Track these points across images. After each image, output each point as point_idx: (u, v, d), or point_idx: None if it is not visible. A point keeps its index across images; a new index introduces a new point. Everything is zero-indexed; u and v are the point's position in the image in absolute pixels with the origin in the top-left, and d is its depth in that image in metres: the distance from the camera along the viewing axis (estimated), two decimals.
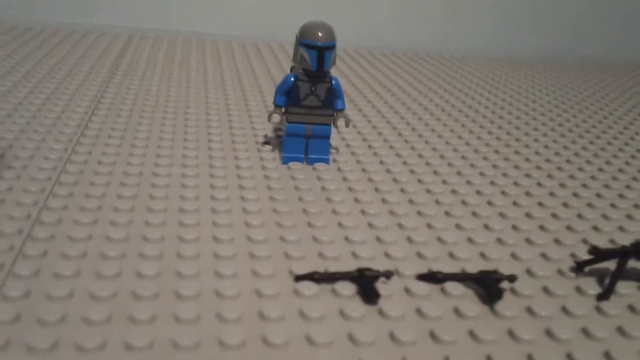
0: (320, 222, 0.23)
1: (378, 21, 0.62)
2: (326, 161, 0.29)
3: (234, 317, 0.18)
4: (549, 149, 0.35)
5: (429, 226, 0.24)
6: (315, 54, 0.26)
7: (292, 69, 0.29)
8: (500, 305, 0.19)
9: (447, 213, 0.25)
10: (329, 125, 0.29)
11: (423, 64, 0.56)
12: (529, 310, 0.19)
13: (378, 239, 0.23)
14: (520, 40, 0.66)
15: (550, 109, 0.44)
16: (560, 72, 0.58)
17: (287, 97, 0.28)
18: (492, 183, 0.29)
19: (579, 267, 0.22)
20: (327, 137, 0.29)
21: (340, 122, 0.29)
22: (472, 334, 0.18)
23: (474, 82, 0.50)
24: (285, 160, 0.29)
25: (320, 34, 0.26)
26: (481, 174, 0.30)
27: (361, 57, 0.57)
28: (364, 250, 0.22)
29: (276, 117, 0.29)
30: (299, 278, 0.20)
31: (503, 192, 0.28)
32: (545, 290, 0.21)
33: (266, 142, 0.31)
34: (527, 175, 0.30)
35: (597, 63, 0.65)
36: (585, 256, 0.22)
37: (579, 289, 0.21)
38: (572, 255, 0.23)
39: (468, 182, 0.29)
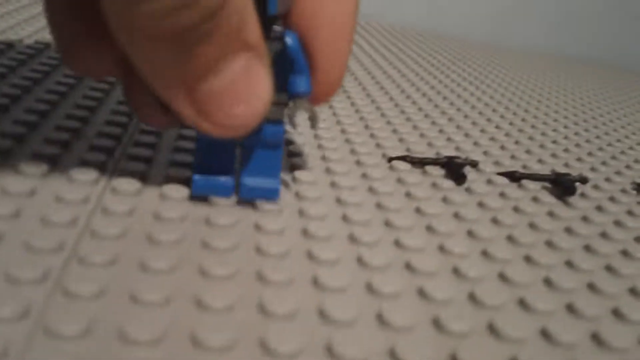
0: (405, 129, 0.26)
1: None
2: (274, 193, 0.16)
3: (343, 171, 0.20)
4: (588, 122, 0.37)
5: (503, 148, 0.26)
6: None
7: None
8: (572, 199, 0.21)
9: (517, 142, 0.28)
10: (280, 123, 0.15)
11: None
12: (599, 208, 0.21)
13: (457, 149, 0.25)
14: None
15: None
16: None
17: None
18: (545, 133, 0.31)
19: (639, 188, 0.24)
20: (278, 145, 0.16)
21: (301, 116, 0.15)
22: (550, 213, 0.20)
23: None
24: (196, 188, 0.16)
25: None
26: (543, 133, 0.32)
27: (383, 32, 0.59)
28: (447, 152, 0.24)
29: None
30: (392, 159, 0.22)
31: (566, 137, 0.30)
32: (611, 199, 0.23)
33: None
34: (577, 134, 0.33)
35: None
36: None
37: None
38: (633, 182, 0.25)
39: (532, 130, 0.31)
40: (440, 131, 0.27)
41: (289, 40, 0.14)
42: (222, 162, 0.15)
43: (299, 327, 0.12)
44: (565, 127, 0.33)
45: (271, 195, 0.16)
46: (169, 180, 0.17)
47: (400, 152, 0.23)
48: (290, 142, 0.21)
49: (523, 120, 0.32)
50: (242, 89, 0.13)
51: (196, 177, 0.15)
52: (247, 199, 0.16)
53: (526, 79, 0.46)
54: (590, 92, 0.47)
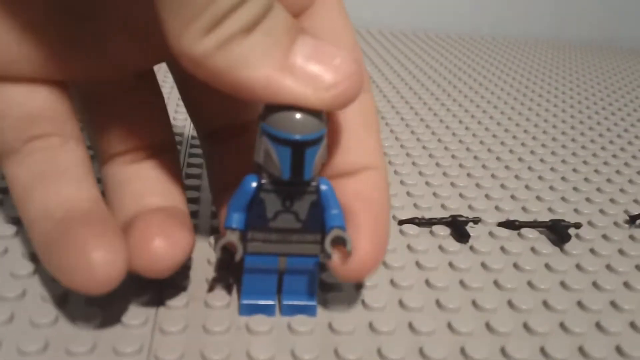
0: (411, 181, 0.28)
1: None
2: (312, 310, 0.18)
3: None
4: (594, 130, 0.39)
5: (503, 187, 0.29)
6: (288, 153, 0.15)
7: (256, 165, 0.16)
8: (568, 246, 0.24)
9: (516, 177, 0.30)
10: (315, 256, 0.18)
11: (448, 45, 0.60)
12: (592, 251, 0.24)
13: (461, 195, 0.27)
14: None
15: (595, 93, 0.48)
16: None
17: (247, 214, 0.17)
18: (544, 159, 0.33)
19: (631, 220, 0.26)
20: (313, 272, 0.18)
21: (334, 250, 0.17)
22: (547, 266, 0.22)
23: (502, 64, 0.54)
24: (243, 310, 0.18)
25: (298, 118, 0.15)
26: (532, 152, 0.34)
27: (388, 38, 0.61)
28: (451, 203, 0.26)
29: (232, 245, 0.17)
30: (402, 222, 0.24)
31: (563, 161, 0.32)
32: (604, 237, 0.25)
33: (214, 283, 0.19)
34: (574, 154, 0.35)
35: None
36: (637, 211, 0.26)
37: (632, 237, 0.25)
38: (626, 211, 0.27)
39: (532, 152, 0.33)
40: (444, 174, 0.29)
41: (323, 187, 0.17)
42: (264, 290, 0.18)
43: None
44: (553, 152, 0.35)
45: (309, 311, 0.18)
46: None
47: (408, 205, 0.25)
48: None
49: (523, 145, 0.34)
50: None
51: (244, 301, 0.18)
52: (287, 314, 0.18)
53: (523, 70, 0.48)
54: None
